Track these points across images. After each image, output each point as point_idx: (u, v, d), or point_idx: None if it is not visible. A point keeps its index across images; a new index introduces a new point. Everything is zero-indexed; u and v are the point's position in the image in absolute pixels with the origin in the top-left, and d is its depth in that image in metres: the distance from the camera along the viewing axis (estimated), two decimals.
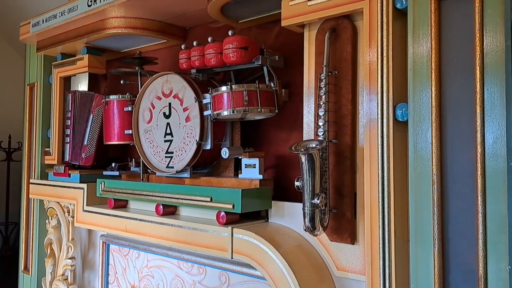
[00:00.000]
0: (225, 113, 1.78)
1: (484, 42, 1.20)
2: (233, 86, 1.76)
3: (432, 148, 1.28)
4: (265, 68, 1.83)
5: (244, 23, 2.08)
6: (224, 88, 1.78)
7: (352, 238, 1.51)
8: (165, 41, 2.44)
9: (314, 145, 1.46)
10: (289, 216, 1.75)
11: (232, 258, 1.70)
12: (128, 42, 2.55)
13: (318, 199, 1.44)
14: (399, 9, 1.39)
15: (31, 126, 2.99)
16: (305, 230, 1.49)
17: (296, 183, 1.49)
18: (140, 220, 2.06)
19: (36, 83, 2.96)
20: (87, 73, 2.75)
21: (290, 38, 1.86)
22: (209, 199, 1.79)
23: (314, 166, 1.44)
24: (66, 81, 2.84)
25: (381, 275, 1.37)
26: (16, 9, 3.98)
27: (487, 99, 1.20)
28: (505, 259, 1.15)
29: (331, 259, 1.57)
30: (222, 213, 1.75)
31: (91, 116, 2.60)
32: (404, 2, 1.37)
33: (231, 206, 1.71)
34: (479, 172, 1.20)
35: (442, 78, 1.28)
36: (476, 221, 1.20)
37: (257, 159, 1.82)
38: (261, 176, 1.81)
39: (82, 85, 2.78)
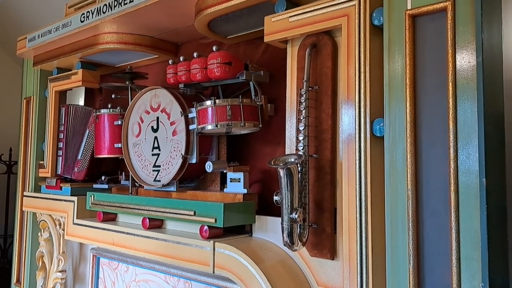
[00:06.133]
0: (209, 127, 1.79)
1: (457, 59, 1.21)
2: (217, 100, 1.77)
3: (406, 163, 1.28)
4: (251, 83, 1.85)
5: (232, 38, 2.10)
6: (208, 102, 1.80)
7: (332, 253, 1.50)
8: (157, 56, 2.47)
9: (292, 160, 1.46)
10: (273, 231, 1.74)
11: (213, 272, 1.69)
12: (122, 57, 2.59)
13: (296, 214, 1.43)
14: (376, 26, 1.40)
15: (27, 139, 3.03)
16: (284, 245, 1.49)
17: (275, 198, 1.49)
18: (127, 233, 2.06)
19: (32, 97, 3.00)
20: (83, 88, 2.80)
21: (277, 54, 1.88)
22: (192, 213, 1.79)
23: (292, 181, 1.44)
24: (62, 95, 2.88)
25: None
26: (20, 23, 4.05)
27: (459, 115, 1.20)
28: (478, 276, 1.14)
29: (311, 274, 1.56)
30: (205, 227, 1.75)
31: (87, 131, 2.62)
32: (381, 19, 1.38)
33: (213, 220, 1.71)
34: (452, 188, 1.19)
35: (417, 94, 1.29)
36: (450, 237, 1.20)
37: (242, 173, 1.82)
38: (245, 190, 1.81)
39: (79, 99, 2.81)
